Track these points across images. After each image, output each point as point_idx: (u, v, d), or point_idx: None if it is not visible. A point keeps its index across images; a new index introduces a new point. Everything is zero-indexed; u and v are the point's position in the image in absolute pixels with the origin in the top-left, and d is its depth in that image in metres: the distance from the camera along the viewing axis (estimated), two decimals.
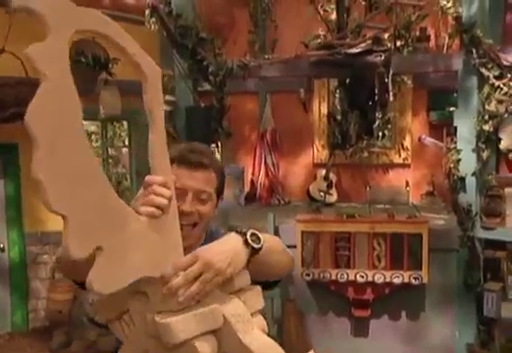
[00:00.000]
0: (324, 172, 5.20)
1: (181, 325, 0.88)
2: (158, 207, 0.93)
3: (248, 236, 1.04)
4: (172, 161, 1.31)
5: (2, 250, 4.61)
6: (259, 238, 1.06)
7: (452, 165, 3.52)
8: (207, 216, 1.31)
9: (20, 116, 3.92)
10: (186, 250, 1.35)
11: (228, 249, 1.01)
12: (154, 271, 0.91)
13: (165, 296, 0.91)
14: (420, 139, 5.17)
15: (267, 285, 1.20)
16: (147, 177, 0.96)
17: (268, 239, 1.11)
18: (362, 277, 3.59)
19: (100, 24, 0.86)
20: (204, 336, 0.90)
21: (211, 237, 1.34)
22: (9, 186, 4.60)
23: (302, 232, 3.70)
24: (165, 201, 0.94)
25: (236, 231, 1.07)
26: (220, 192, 1.35)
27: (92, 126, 6.94)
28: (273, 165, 5.55)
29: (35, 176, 0.73)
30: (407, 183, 5.34)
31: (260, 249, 1.05)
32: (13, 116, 3.41)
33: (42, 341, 4.39)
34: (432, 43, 4.70)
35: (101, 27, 0.87)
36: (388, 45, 3.58)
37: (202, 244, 1.41)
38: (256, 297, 1.02)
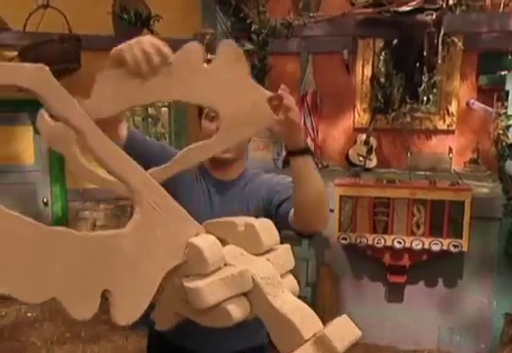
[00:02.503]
0: (364, 136, 5.10)
1: (210, 288, 0.85)
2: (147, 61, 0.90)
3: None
4: None
5: (46, 204, 4.77)
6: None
7: (501, 131, 3.40)
8: None
9: (65, 72, 3.96)
10: (228, 165, 1.58)
11: None
12: (174, 262, 0.88)
13: (192, 260, 0.89)
14: (468, 104, 4.97)
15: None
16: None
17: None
18: (399, 242, 3.55)
19: None
20: (236, 299, 0.88)
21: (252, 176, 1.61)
22: None
23: (340, 197, 3.67)
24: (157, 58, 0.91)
25: None
26: None
27: None
28: (312, 128, 5.46)
29: None
30: (450, 150, 5.18)
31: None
32: (58, 72, 3.43)
33: None
34: (487, 1, 4.44)
35: None
36: (441, 3, 3.39)
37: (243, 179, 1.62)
38: (286, 257, 0.97)
